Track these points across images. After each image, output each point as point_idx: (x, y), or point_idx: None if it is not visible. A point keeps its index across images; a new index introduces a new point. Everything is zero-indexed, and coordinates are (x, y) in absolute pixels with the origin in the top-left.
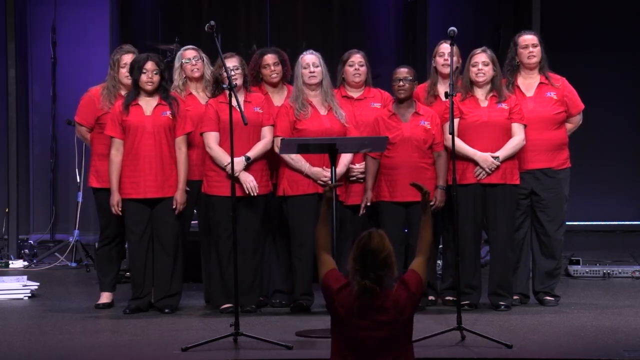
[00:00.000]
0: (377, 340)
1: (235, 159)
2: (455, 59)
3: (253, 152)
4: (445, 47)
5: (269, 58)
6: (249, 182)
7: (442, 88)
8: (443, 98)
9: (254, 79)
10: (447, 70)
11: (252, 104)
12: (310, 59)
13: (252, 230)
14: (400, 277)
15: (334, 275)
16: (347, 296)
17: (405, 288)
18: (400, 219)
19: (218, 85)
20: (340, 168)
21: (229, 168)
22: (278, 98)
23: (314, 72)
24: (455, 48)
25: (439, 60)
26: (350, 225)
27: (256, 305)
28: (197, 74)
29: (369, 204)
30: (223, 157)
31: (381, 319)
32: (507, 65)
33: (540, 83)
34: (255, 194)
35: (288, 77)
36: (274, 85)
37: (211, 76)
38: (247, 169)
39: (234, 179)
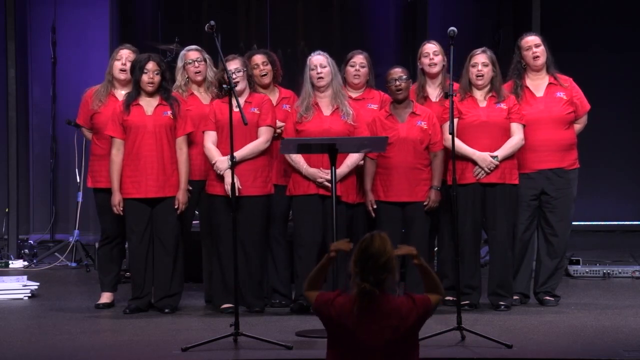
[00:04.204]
0: (378, 345)
1: (221, 158)
2: (440, 57)
3: (239, 152)
4: (429, 47)
5: (258, 58)
6: (228, 184)
7: (431, 89)
8: (433, 99)
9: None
10: (434, 69)
11: (251, 104)
12: (317, 60)
13: (253, 231)
14: (409, 293)
15: (324, 293)
16: (344, 303)
17: (411, 300)
18: (397, 218)
19: (221, 88)
20: (342, 169)
21: (215, 166)
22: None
23: (321, 73)
24: (438, 46)
25: (425, 60)
26: (351, 224)
27: (263, 306)
28: (199, 78)
29: (375, 206)
30: (213, 155)
31: (382, 323)
32: (514, 69)
33: (550, 83)
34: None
35: (279, 79)
36: (265, 86)
37: (214, 79)
38: (237, 168)
39: (233, 178)
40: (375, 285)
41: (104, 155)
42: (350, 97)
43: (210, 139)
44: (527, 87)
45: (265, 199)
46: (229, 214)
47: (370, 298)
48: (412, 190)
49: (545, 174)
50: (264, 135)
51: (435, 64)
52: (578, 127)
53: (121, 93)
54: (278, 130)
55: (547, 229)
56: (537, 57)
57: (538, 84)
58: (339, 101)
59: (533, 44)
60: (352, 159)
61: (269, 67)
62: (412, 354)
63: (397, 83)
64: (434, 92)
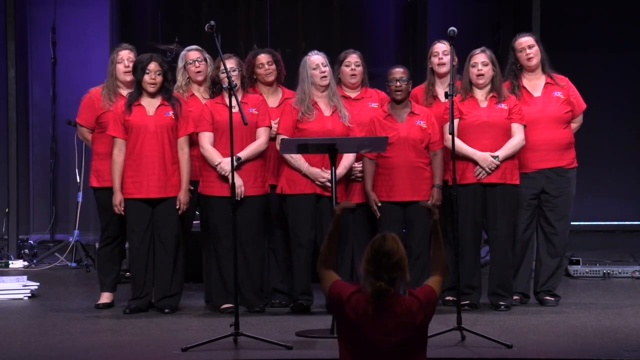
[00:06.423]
0: (389, 345)
1: (226, 159)
2: (449, 57)
3: (244, 153)
4: (439, 47)
5: (263, 57)
6: (237, 186)
7: (440, 89)
8: (442, 99)
9: (249, 79)
10: (442, 69)
11: (247, 104)
12: (318, 59)
13: (252, 231)
14: (409, 290)
15: (341, 284)
16: (358, 301)
17: (416, 299)
18: (398, 219)
19: (215, 87)
20: (340, 170)
21: (219, 168)
22: (272, 99)
23: (324, 72)
24: (449, 46)
25: (434, 60)
26: (351, 226)
27: (264, 306)
28: (200, 77)
29: (379, 204)
30: (214, 156)
31: (394, 323)
32: (509, 70)
33: (547, 83)
34: (239, 199)
35: (282, 78)
36: (269, 84)
37: (209, 77)
38: (238, 169)
39: (233, 179)
40: (389, 284)
41: (108, 154)
42: (349, 97)
43: (207, 140)
44: (524, 88)
45: (263, 199)
46: (227, 215)
47: (385, 297)
48: (415, 189)
49: (545, 173)
50: (264, 136)
51: (444, 64)
52: (574, 126)
53: (128, 93)
54: (273, 131)
55: (547, 227)
56: (531, 58)
57: (535, 83)
58: (335, 101)
59: (526, 45)
60: (348, 160)
61: (273, 66)
62: (421, 352)
63: (398, 84)
64: (442, 92)
